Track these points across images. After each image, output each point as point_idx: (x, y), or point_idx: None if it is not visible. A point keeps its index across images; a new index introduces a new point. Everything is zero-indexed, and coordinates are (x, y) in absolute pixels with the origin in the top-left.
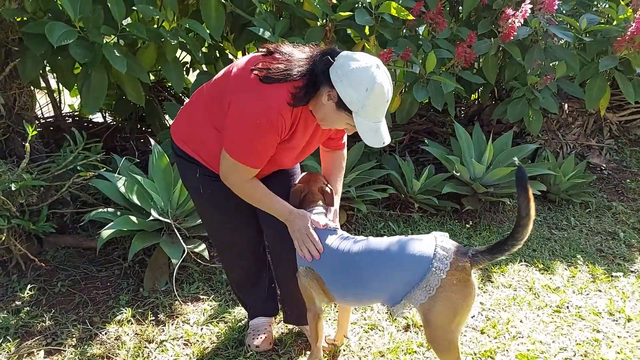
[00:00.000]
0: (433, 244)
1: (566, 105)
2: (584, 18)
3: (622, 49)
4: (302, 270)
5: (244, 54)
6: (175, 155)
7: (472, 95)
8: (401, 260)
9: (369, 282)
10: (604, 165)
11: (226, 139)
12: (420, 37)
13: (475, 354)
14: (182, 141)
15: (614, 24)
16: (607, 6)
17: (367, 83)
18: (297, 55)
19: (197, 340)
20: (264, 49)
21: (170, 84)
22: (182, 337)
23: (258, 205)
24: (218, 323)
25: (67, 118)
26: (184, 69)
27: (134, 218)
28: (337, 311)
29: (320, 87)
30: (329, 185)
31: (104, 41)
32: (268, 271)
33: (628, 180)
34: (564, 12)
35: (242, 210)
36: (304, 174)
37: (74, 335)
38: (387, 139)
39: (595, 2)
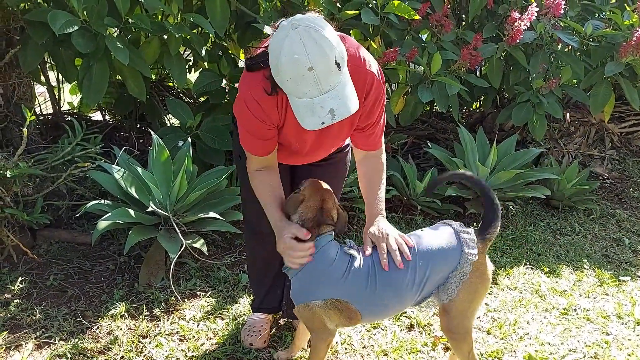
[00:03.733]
0: (452, 231)
1: (568, 115)
2: (589, 24)
3: (627, 55)
4: (321, 303)
5: (246, 53)
6: (232, 123)
7: (474, 103)
8: (433, 257)
9: (406, 286)
10: (606, 174)
11: None
12: (424, 41)
13: (482, 355)
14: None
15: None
16: (606, 13)
17: (275, 53)
18: None
19: (193, 336)
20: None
21: (172, 83)
22: (177, 332)
23: (256, 193)
24: (215, 319)
25: (65, 115)
26: (187, 66)
27: (131, 211)
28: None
29: None
30: (337, 204)
31: (107, 32)
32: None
33: (631, 190)
34: (569, 17)
35: None
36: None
37: (65, 329)
38: (336, 114)
39: (600, 7)
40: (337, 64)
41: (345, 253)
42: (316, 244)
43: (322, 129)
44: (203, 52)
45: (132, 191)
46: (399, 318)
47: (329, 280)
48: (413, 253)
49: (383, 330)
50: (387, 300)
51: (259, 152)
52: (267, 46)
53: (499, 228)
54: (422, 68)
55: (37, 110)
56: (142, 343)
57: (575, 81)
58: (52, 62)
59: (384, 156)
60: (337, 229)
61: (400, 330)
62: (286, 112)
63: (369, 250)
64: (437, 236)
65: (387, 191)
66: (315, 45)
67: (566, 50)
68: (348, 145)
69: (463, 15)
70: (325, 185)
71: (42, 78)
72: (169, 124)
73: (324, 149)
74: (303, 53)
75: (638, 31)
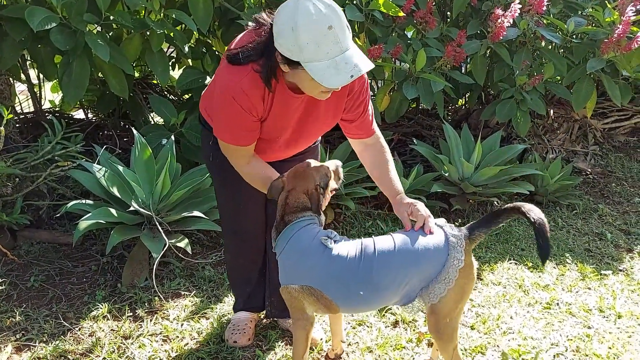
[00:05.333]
0: (442, 232)
1: (552, 111)
2: (572, 21)
3: (608, 52)
4: (297, 288)
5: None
6: (199, 123)
7: (460, 100)
8: (417, 255)
9: (386, 287)
10: (589, 170)
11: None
12: (410, 38)
13: (465, 350)
14: (204, 108)
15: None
16: (587, 10)
17: (289, 22)
18: (267, 25)
19: (177, 336)
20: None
21: (155, 81)
22: (161, 333)
23: (256, 186)
24: (199, 319)
25: (47, 114)
26: (170, 63)
27: (113, 210)
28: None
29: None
30: (320, 184)
31: (87, 29)
32: (264, 266)
33: (613, 185)
34: (552, 14)
35: (251, 187)
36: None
37: (46, 331)
38: (361, 67)
39: (582, 4)
40: (347, 25)
41: (320, 243)
42: (287, 231)
43: (303, 117)
44: (186, 48)
45: (114, 190)
46: (383, 315)
47: (301, 268)
48: (398, 254)
49: (368, 327)
50: (364, 296)
51: (246, 142)
52: (256, 40)
53: (489, 233)
54: (407, 65)
55: (18, 108)
56: (124, 344)
57: (558, 78)
58: (31, 60)
59: (382, 138)
60: (312, 210)
61: (385, 327)
62: (271, 104)
63: (409, 227)
64: (425, 236)
65: (373, 188)
66: (328, 7)
67: (549, 47)
68: (317, 141)
69: (448, 13)
70: (306, 168)
71: (22, 76)
72: (152, 122)
73: (302, 141)
74: (320, 14)
75: (619, 28)
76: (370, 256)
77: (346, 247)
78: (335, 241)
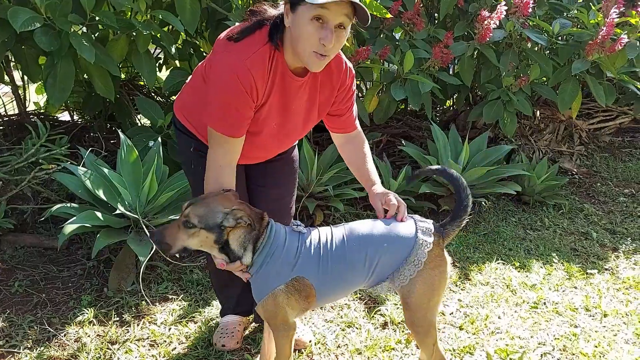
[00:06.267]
0: (412, 220)
1: (538, 112)
2: (557, 22)
3: (593, 53)
4: (284, 288)
5: None
6: (175, 128)
7: (448, 101)
8: (388, 237)
9: (358, 265)
10: (575, 170)
11: (205, 105)
12: (397, 40)
13: (454, 350)
14: (181, 114)
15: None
16: (573, 12)
17: None
18: (269, 12)
19: (164, 341)
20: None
21: (142, 83)
22: (148, 337)
23: (205, 185)
24: (187, 323)
25: (31, 116)
26: (157, 64)
27: (99, 214)
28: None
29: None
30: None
31: (72, 29)
32: None
33: (599, 184)
34: (537, 16)
35: None
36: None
37: (30, 337)
38: None
39: (567, 6)
40: None
41: (292, 231)
42: (265, 247)
43: (300, 105)
44: (173, 49)
45: (100, 193)
46: (372, 316)
47: (286, 262)
48: (368, 233)
49: (357, 328)
50: (338, 275)
51: (239, 132)
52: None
53: (461, 225)
54: (395, 66)
55: (2, 110)
56: (110, 350)
57: (544, 79)
58: (15, 61)
59: (362, 133)
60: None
61: (375, 329)
62: (272, 86)
63: (382, 215)
64: (395, 222)
65: (362, 189)
66: None
67: (535, 48)
68: (294, 146)
69: (435, 14)
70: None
71: (6, 77)
72: (139, 124)
73: (297, 132)
74: None
75: (603, 30)
76: (341, 236)
77: (317, 232)
78: (303, 226)
